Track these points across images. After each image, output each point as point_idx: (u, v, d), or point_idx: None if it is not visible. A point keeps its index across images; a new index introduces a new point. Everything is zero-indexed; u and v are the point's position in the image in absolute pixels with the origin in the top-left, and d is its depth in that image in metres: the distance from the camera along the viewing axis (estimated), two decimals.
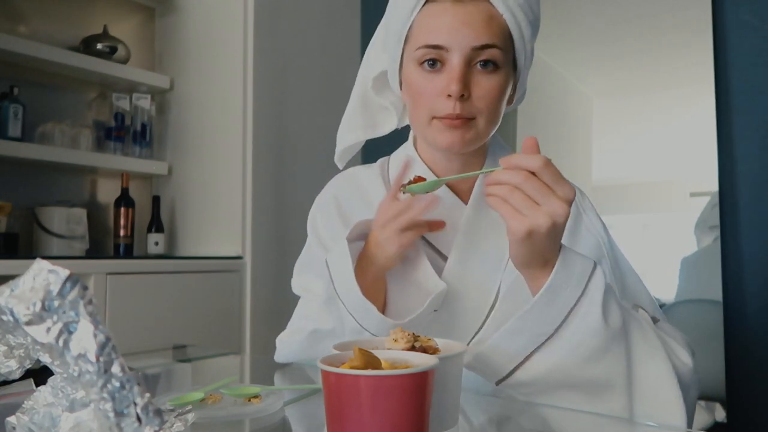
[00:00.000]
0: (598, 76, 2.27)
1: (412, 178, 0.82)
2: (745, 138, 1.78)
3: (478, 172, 0.81)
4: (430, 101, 0.86)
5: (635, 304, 0.88)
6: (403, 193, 0.82)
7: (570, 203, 0.69)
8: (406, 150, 1.01)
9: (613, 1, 2.14)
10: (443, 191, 0.94)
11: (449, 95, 0.84)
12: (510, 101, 0.93)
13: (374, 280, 0.87)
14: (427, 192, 0.82)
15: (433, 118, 0.87)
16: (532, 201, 0.69)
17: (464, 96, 0.84)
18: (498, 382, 0.78)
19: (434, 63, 0.85)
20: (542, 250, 0.71)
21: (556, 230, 0.69)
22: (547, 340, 0.75)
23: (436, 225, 0.88)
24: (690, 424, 0.77)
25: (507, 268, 0.90)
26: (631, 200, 2.16)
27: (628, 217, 2.14)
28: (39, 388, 0.51)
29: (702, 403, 1.76)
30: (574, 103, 2.30)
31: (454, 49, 0.83)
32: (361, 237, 0.90)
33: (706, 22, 1.84)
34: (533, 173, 0.68)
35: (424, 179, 0.82)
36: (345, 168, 1.07)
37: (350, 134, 1.02)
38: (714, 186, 1.82)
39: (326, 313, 0.90)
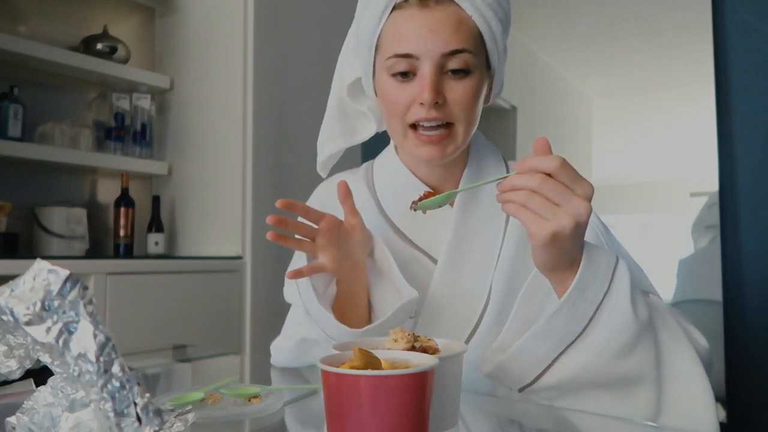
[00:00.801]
0: (598, 76, 2.27)
1: (422, 194, 0.80)
2: (745, 138, 1.78)
3: (491, 179, 0.79)
4: (404, 110, 0.85)
5: (643, 290, 0.87)
6: (415, 210, 0.79)
7: (590, 200, 0.67)
8: (388, 155, 1.00)
9: (613, 1, 2.14)
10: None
11: (422, 103, 0.83)
12: (487, 100, 0.92)
13: (348, 290, 0.87)
14: (440, 206, 0.80)
15: (409, 127, 0.86)
16: (552, 203, 0.66)
17: (438, 103, 0.83)
18: (522, 389, 0.77)
19: (405, 74, 0.84)
20: (567, 252, 0.69)
21: (579, 230, 0.67)
22: (575, 340, 0.72)
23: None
24: None
25: (497, 269, 0.90)
26: (631, 200, 2.16)
27: (628, 217, 2.14)
28: (39, 388, 0.51)
29: None
30: (574, 103, 2.30)
31: (424, 56, 0.82)
32: None
33: (706, 22, 1.84)
34: (549, 175, 0.66)
35: (435, 194, 0.79)
36: (330, 173, 1.06)
37: (330, 143, 1.01)
38: (714, 186, 1.82)
39: (310, 322, 0.90)
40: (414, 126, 0.86)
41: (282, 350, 0.99)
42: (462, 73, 0.83)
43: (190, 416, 0.54)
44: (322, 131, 1.02)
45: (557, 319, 0.71)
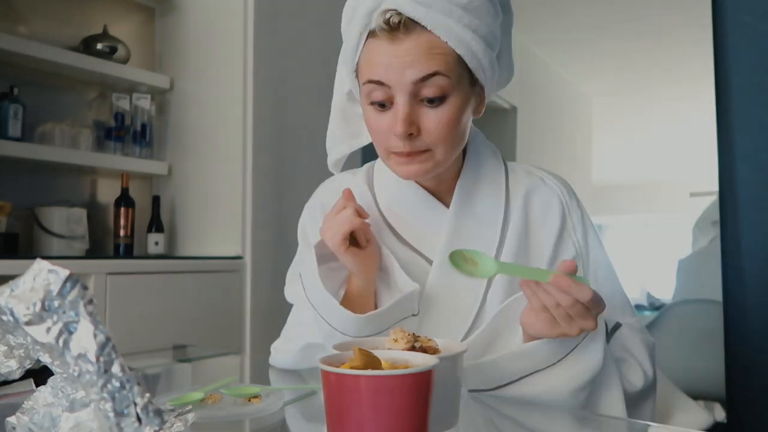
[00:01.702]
0: (598, 76, 2.27)
1: None
2: (745, 138, 1.78)
3: (529, 274, 0.78)
4: (383, 138, 0.85)
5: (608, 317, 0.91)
6: None
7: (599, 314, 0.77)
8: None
9: (613, 1, 2.14)
10: (423, 196, 0.94)
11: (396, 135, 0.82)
12: (478, 112, 0.90)
13: (360, 291, 0.89)
14: None
15: (390, 152, 0.86)
16: (569, 316, 0.74)
17: (413, 134, 0.82)
18: (473, 390, 0.82)
19: (383, 104, 0.83)
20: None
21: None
22: (547, 368, 0.79)
23: (364, 213, 0.88)
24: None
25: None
26: (631, 200, 2.16)
27: (628, 217, 2.14)
28: (39, 388, 0.51)
29: (702, 403, 1.76)
30: (574, 103, 2.30)
31: (395, 86, 0.80)
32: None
33: (706, 22, 1.84)
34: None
35: None
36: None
37: (336, 148, 1.01)
38: (714, 186, 1.82)
39: (314, 321, 0.90)
40: None
41: (284, 352, 0.98)
42: (437, 100, 0.81)
43: (190, 416, 0.54)
44: (328, 136, 1.03)
45: (543, 346, 0.78)
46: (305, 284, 0.87)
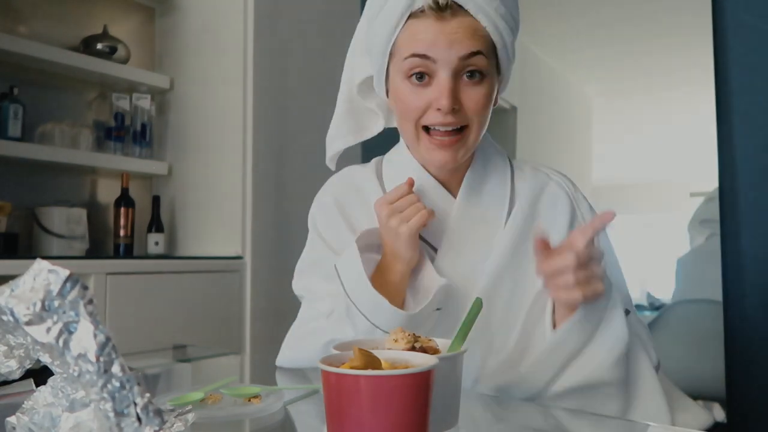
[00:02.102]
0: (598, 77, 2.27)
1: None
2: (745, 138, 1.78)
3: None
4: (419, 114, 0.87)
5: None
6: None
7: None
8: (399, 150, 1.01)
9: (614, 2, 2.14)
10: (433, 184, 0.95)
11: (439, 109, 0.85)
12: (495, 102, 0.94)
13: (402, 278, 0.89)
14: None
15: (423, 128, 0.88)
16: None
17: (455, 109, 0.85)
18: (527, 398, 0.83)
19: (422, 76, 0.86)
20: None
21: None
22: (582, 350, 0.81)
23: (432, 213, 0.89)
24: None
25: (490, 260, 0.91)
26: (631, 200, 2.16)
27: (628, 217, 2.14)
28: (39, 388, 0.51)
29: (701, 402, 1.76)
30: (574, 103, 2.30)
31: (441, 61, 0.84)
32: (369, 247, 0.90)
33: (706, 22, 1.84)
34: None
35: None
36: (337, 167, 1.08)
37: (340, 140, 1.03)
38: (714, 186, 1.82)
39: (344, 323, 0.89)
40: (426, 128, 0.89)
41: (299, 350, 0.96)
42: (478, 76, 0.86)
43: (190, 416, 0.54)
44: (331, 128, 1.04)
45: (573, 329, 0.80)
46: (346, 283, 0.86)
